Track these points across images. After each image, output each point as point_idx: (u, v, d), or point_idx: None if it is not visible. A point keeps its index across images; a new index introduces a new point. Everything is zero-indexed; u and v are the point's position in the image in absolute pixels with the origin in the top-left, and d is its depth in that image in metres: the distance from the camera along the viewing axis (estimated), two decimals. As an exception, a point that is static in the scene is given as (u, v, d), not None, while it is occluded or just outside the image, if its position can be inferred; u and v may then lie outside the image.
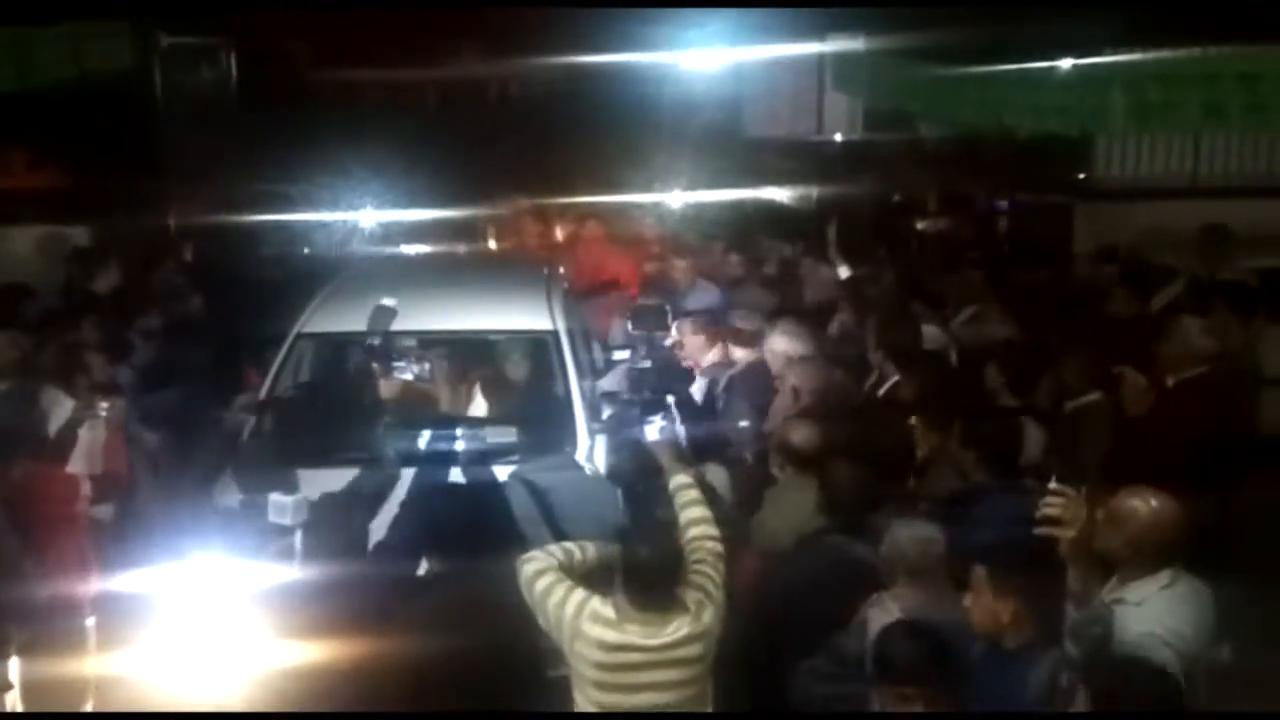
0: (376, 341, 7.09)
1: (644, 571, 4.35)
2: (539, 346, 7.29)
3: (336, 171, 14.98)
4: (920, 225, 13.27)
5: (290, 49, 18.36)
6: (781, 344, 7.24)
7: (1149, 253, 9.88)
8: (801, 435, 5.73)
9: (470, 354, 7.37)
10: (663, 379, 6.99)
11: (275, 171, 14.36)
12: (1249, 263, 9.25)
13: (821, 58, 14.73)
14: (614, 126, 17.53)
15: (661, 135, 17.52)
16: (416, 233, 13.06)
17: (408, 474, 6.02)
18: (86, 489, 6.32)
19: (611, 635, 4.35)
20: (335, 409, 6.97)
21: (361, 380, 7.29)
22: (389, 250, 12.37)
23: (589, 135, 17.59)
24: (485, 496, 5.79)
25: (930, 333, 7.73)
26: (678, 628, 4.36)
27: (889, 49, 12.08)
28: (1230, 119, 7.79)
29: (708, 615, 4.42)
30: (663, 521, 4.78)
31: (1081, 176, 12.45)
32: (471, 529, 5.26)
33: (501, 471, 6.01)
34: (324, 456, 6.36)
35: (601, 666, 4.37)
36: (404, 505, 5.73)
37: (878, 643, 4.15)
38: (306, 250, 12.78)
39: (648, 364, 7.16)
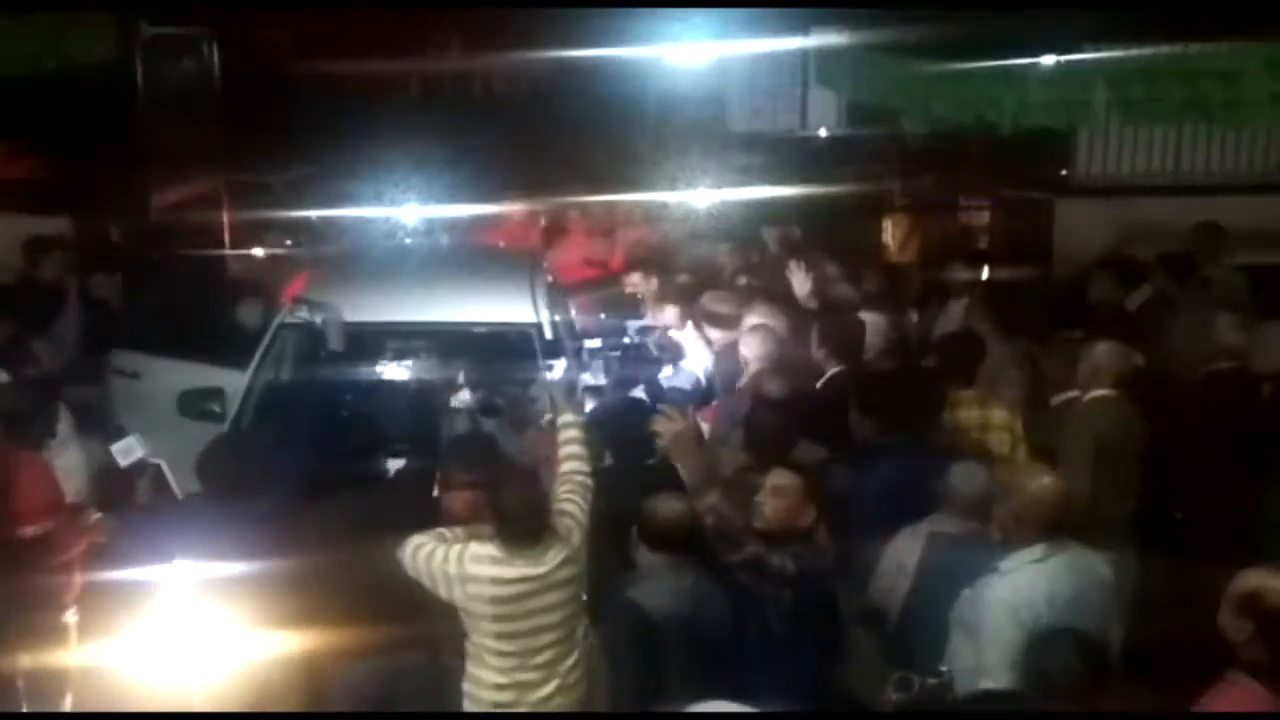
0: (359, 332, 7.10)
1: (516, 513, 4.80)
2: (522, 339, 7.29)
3: (320, 163, 14.97)
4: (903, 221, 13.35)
5: (275, 40, 18.29)
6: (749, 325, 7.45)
7: (1130, 249, 9.97)
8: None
9: (454, 346, 7.36)
10: (636, 365, 7.10)
11: (258, 163, 14.33)
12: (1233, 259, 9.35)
13: (805, 53, 14.74)
14: (596, 122, 17.53)
15: (645, 130, 17.54)
16: (400, 224, 13.05)
17: (390, 465, 6.00)
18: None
19: (500, 570, 4.77)
20: (317, 399, 6.95)
21: (343, 370, 7.29)
22: (372, 241, 12.37)
23: (572, 130, 17.60)
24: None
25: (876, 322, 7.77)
26: (556, 554, 4.83)
27: (872, 44, 12.09)
28: (1211, 115, 7.81)
29: (576, 538, 4.94)
30: (526, 465, 5.38)
31: (1064, 173, 12.49)
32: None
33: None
34: (306, 446, 6.34)
35: (495, 601, 4.78)
36: (388, 494, 5.72)
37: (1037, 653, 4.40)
38: (289, 242, 12.73)
39: (618, 352, 7.28)
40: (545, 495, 5.01)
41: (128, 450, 5.83)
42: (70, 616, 6.05)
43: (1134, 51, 8.54)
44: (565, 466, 5.23)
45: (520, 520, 4.81)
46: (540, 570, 4.80)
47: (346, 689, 5.22)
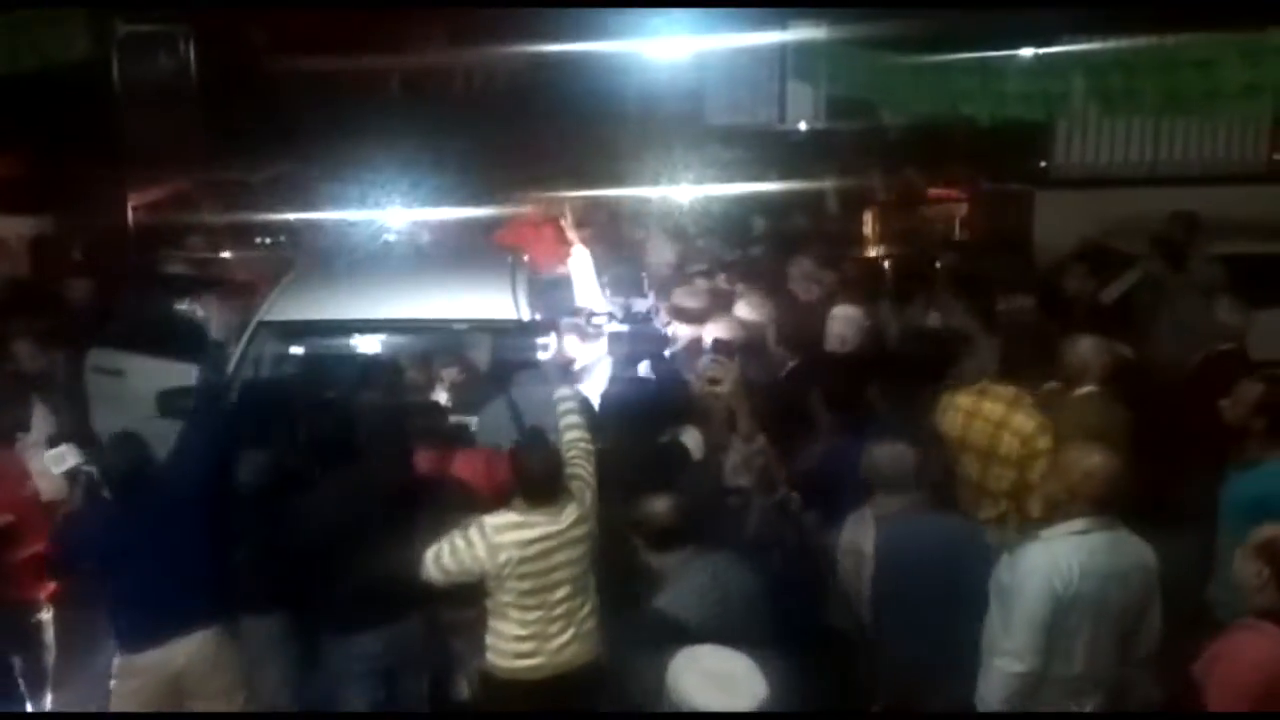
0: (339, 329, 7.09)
1: (536, 472, 5.25)
2: (502, 334, 7.28)
3: (299, 160, 14.92)
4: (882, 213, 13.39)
5: (252, 37, 18.22)
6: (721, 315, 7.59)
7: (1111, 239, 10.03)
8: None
9: (435, 343, 7.34)
10: (637, 343, 7.15)
11: (235, 160, 14.27)
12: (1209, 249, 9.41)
13: (784, 48, 14.76)
14: (575, 117, 17.51)
15: (625, 125, 17.53)
16: (380, 222, 13.02)
17: (371, 463, 5.97)
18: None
19: (524, 533, 5.20)
20: (297, 397, 6.91)
21: (323, 368, 7.27)
22: (351, 239, 12.33)
23: (552, 126, 17.58)
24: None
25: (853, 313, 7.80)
26: (571, 512, 5.29)
27: (850, 38, 12.11)
28: (1188, 106, 7.86)
29: (588, 498, 5.39)
30: (542, 431, 5.59)
31: (1043, 164, 12.54)
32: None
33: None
34: (286, 445, 6.30)
35: (524, 561, 5.19)
36: (366, 496, 5.71)
37: None
38: (268, 239, 12.71)
39: (625, 328, 7.33)
40: (561, 457, 5.41)
41: (60, 458, 5.86)
42: (43, 613, 6.04)
43: (1111, 44, 8.57)
44: (568, 435, 5.62)
45: (542, 478, 5.26)
46: (559, 527, 5.25)
47: (347, 660, 5.54)
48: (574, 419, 5.70)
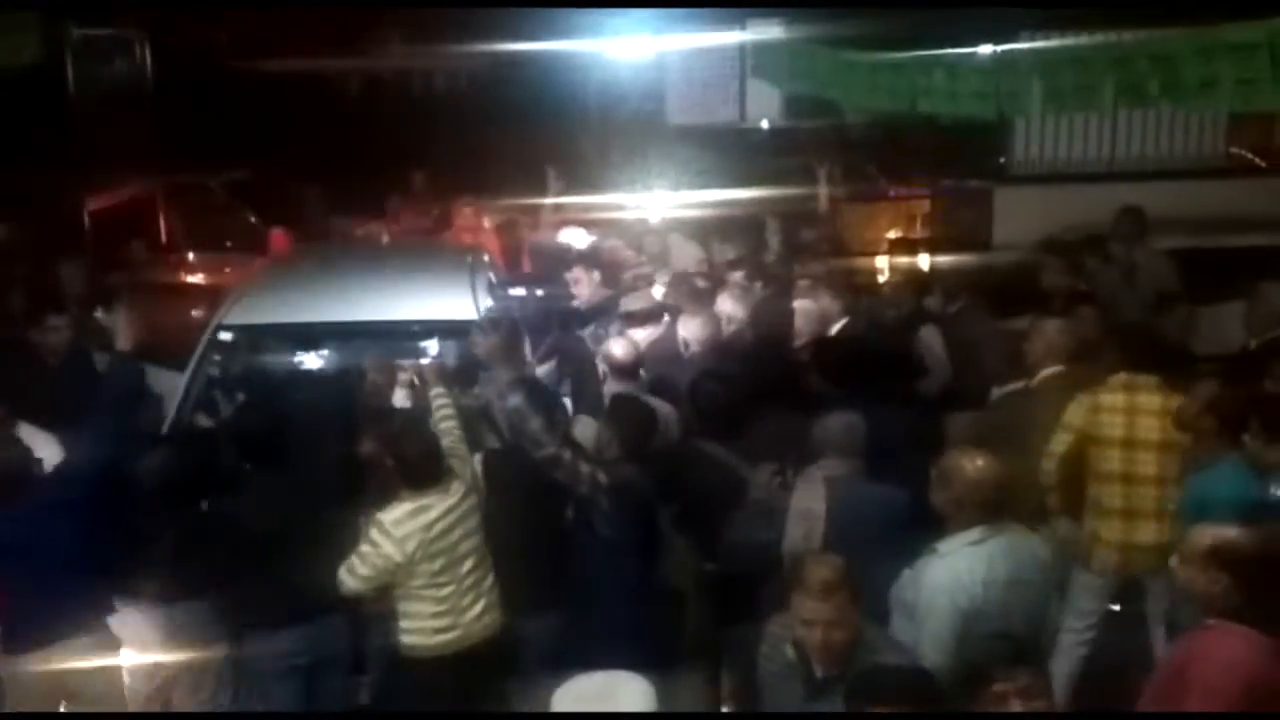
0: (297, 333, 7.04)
1: (414, 455, 5.43)
2: (461, 334, 7.23)
3: (258, 163, 14.82)
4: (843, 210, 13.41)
5: (209, 40, 18.09)
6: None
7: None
8: None
9: (393, 345, 7.29)
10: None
11: (192, 163, 14.15)
12: (1165, 244, 9.47)
13: (743, 47, 14.77)
14: (536, 118, 17.49)
15: (586, 125, 17.52)
16: (337, 223, 12.96)
17: (329, 468, 5.93)
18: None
19: (424, 516, 5.36)
20: (255, 402, 6.85)
21: (281, 373, 7.22)
22: (309, 241, 12.26)
23: (512, 126, 17.56)
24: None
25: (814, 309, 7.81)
26: (458, 486, 5.50)
27: (809, 36, 12.13)
28: (1145, 101, 7.89)
29: (467, 473, 5.64)
30: (414, 417, 6.00)
31: (1001, 161, 12.59)
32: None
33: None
34: (245, 451, 6.24)
35: (431, 542, 5.35)
36: (324, 498, 5.68)
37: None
38: (228, 242, 12.61)
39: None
40: (435, 438, 5.66)
41: None
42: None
43: (1068, 41, 8.61)
44: (443, 425, 5.89)
45: (421, 459, 5.44)
46: (452, 501, 5.44)
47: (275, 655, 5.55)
48: (448, 412, 5.98)
